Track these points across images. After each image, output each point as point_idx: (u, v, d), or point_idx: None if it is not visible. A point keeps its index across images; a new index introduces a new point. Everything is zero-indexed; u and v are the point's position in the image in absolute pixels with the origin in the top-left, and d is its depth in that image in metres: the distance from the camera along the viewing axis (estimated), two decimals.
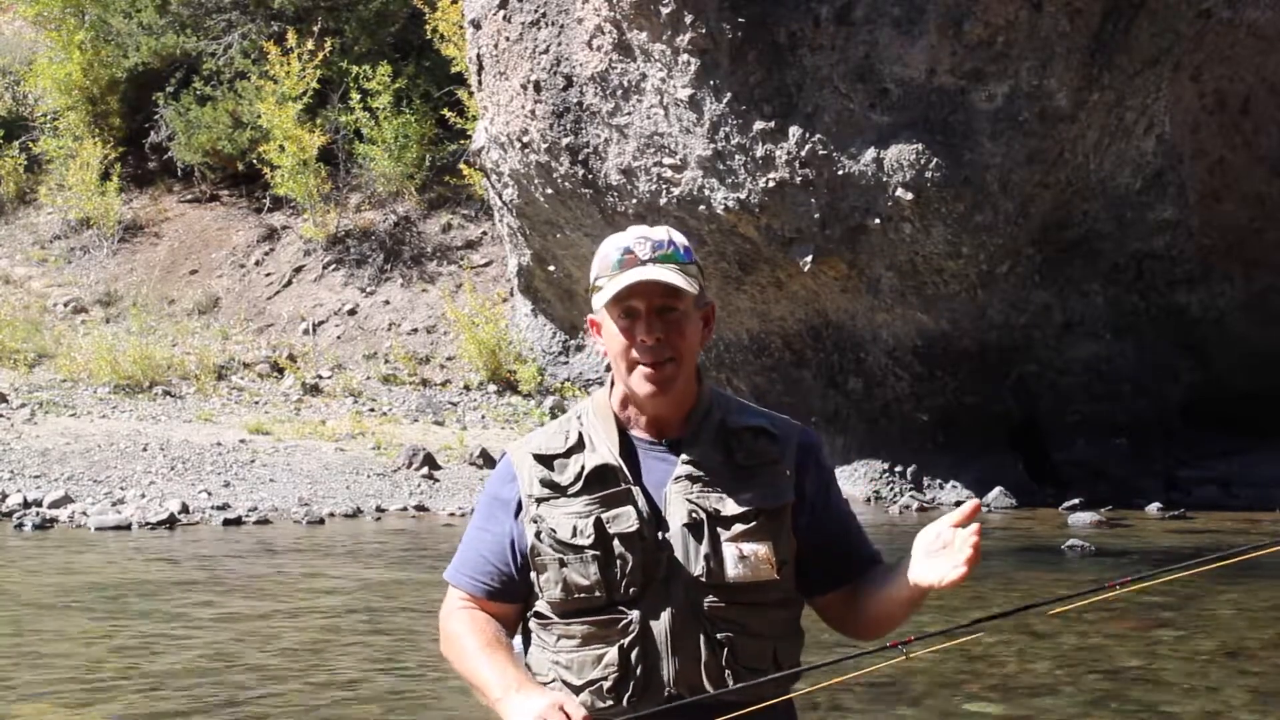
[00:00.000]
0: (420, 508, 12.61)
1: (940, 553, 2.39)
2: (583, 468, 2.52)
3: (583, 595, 2.49)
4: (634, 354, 2.49)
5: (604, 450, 2.53)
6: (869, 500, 13.03)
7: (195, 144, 19.91)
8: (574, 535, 2.49)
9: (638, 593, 2.47)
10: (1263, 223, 12.64)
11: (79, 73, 20.75)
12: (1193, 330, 12.85)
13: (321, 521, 11.88)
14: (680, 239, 2.55)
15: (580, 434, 2.57)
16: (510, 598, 2.60)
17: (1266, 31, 11.88)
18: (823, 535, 2.58)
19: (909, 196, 11.62)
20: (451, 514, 12.24)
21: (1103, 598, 2.54)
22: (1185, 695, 6.11)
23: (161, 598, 8.56)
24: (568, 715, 2.36)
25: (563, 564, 2.50)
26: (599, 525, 2.48)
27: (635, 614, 2.47)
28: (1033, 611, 2.66)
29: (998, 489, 12.69)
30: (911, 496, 12.89)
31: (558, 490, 2.53)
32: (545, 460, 2.56)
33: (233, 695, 6.24)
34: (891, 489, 13.15)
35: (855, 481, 13.25)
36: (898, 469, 13.24)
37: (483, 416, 16.17)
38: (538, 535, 2.52)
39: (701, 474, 2.50)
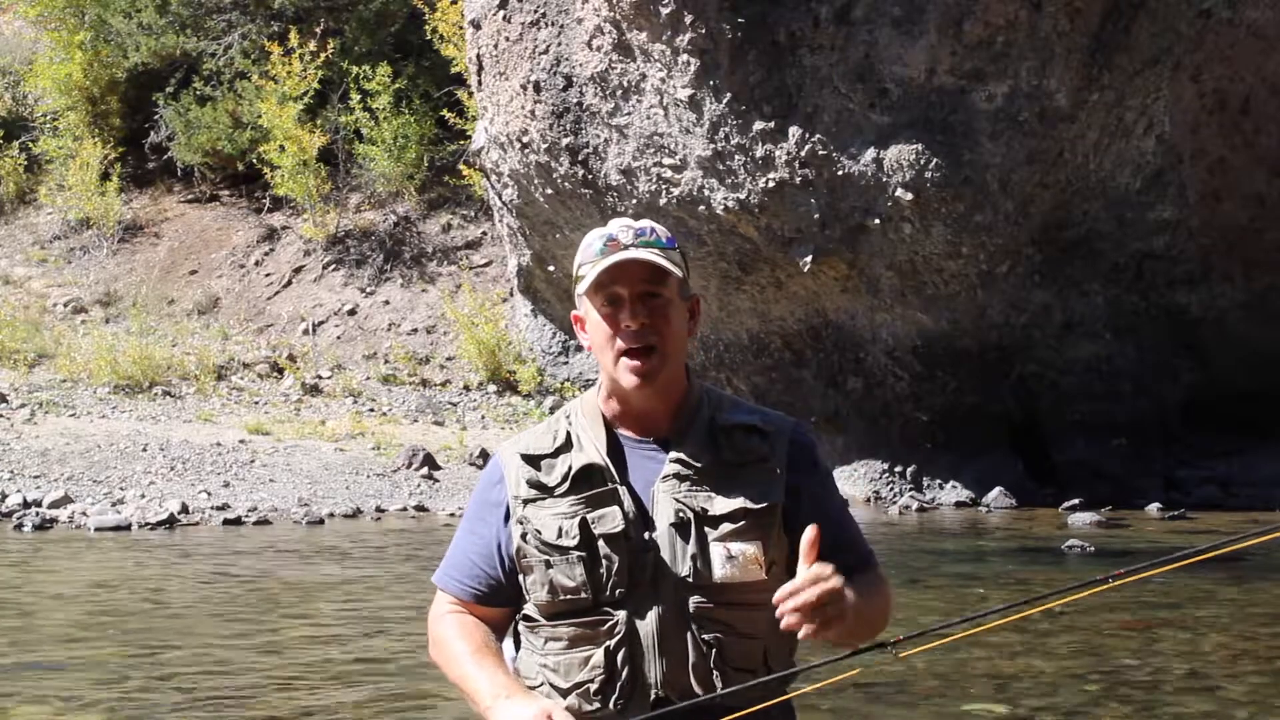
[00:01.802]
0: (420, 508, 12.61)
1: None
2: (569, 468, 2.50)
3: (569, 597, 2.47)
4: (619, 342, 2.46)
5: (591, 450, 2.51)
6: (869, 500, 13.03)
7: (195, 144, 19.92)
8: (559, 536, 2.46)
9: (624, 594, 2.45)
10: (1263, 223, 12.62)
11: (79, 73, 20.75)
12: (1193, 330, 12.84)
13: (321, 522, 11.88)
14: (663, 230, 2.53)
15: (568, 433, 2.55)
16: (498, 601, 2.57)
17: (1266, 31, 11.87)
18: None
19: (909, 196, 11.61)
20: (451, 514, 12.24)
21: (1093, 591, 2.54)
22: (1185, 695, 6.11)
23: (160, 598, 8.56)
24: None
25: (548, 565, 2.47)
26: (584, 526, 2.45)
27: (621, 615, 2.45)
28: (1031, 609, 2.65)
29: (998, 489, 12.68)
30: (911, 496, 12.88)
31: (544, 491, 2.50)
32: (532, 461, 2.53)
33: (231, 695, 6.24)
34: (891, 489, 13.14)
35: (855, 481, 13.24)
36: (898, 469, 13.23)
37: (482, 417, 16.17)
38: (524, 537, 2.50)
39: (689, 473, 2.47)
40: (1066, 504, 12.22)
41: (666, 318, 2.48)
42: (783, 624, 2.31)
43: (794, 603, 2.29)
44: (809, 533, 2.34)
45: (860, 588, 2.46)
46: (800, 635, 2.32)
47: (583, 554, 2.45)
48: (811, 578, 2.30)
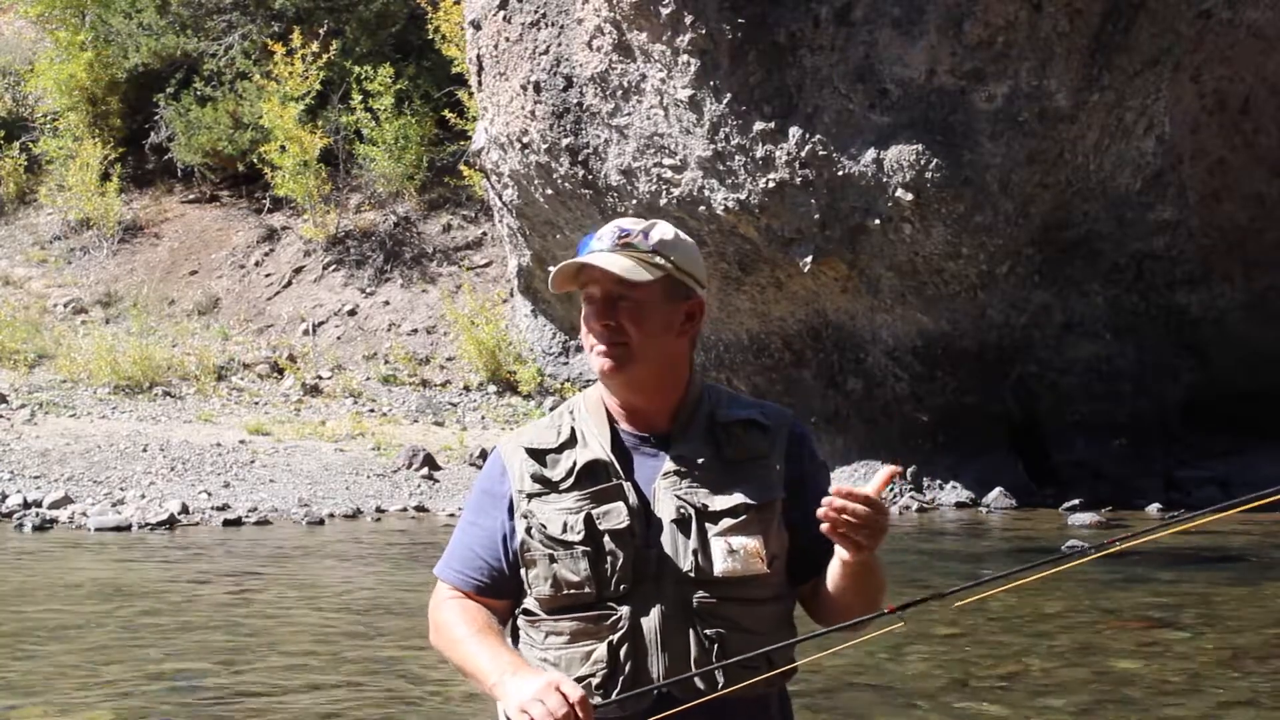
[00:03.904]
0: (420, 508, 12.61)
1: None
2: (574, 463, 2.52)
3: (572, 592, 2.49)
4: (590, 338, 2.54)
5: (595, 446, 2.53)
6: None
7: (195, 144, 19.91)
8: (564, 531, 2.48)
9: (628, 589, 2.47)
10: (1263, 223, 12.63)
11: (82, 73, 20.74)
12: (1193, 330, 12.84)
13: (321, 522, 11.87)
14: (660, 233, 2.54)
15: (572, 429, 2.57)
16: (499, 594, 2.58)
17: (1266, 31, 11.88)
18: (815, 526, 2.57)
19: (909, 197, 11.61)
20: (451, 514, 12.23)
21: (1090, 559, 2.58)
22: (1185, 695, 6.11)
23: (160, 599, 8.56)
24: (564, 695, 2.33)
25: (553, 560, 2.49)
26: (589, 521, 2.47)
27: (625, 610, 2.46)
28: (1041, 573, 2.67)
29: (998, 489, 12.68)
30: (911, 497, 12.88)
31: (549, 486, 2.52)
32: (537, 455, 2.55)
33: (231, 696, 6.25)
34: (891, 489, 13.13)
35: (855, 482, 13.18)
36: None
37: (482, 417, 16.17)
38: (528, 531, 2.52)
39: (689, 469, 2.50)
40: (1066, 504, 12.21)
41: (636, 319, 2.50)
42: (821, 514, 2.34)
43: (849, 504, 2.34)
44: (885, 471, 2.41)
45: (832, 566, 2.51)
46: (829, 531, 2.36)
47: (587, 549, 2.47)
48: (876, 497, 2.36)
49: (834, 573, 2.49)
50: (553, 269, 2.57)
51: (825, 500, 2.35)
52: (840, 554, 2.44)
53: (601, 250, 2.51)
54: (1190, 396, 13.03)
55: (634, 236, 2.52)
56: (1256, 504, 2.55)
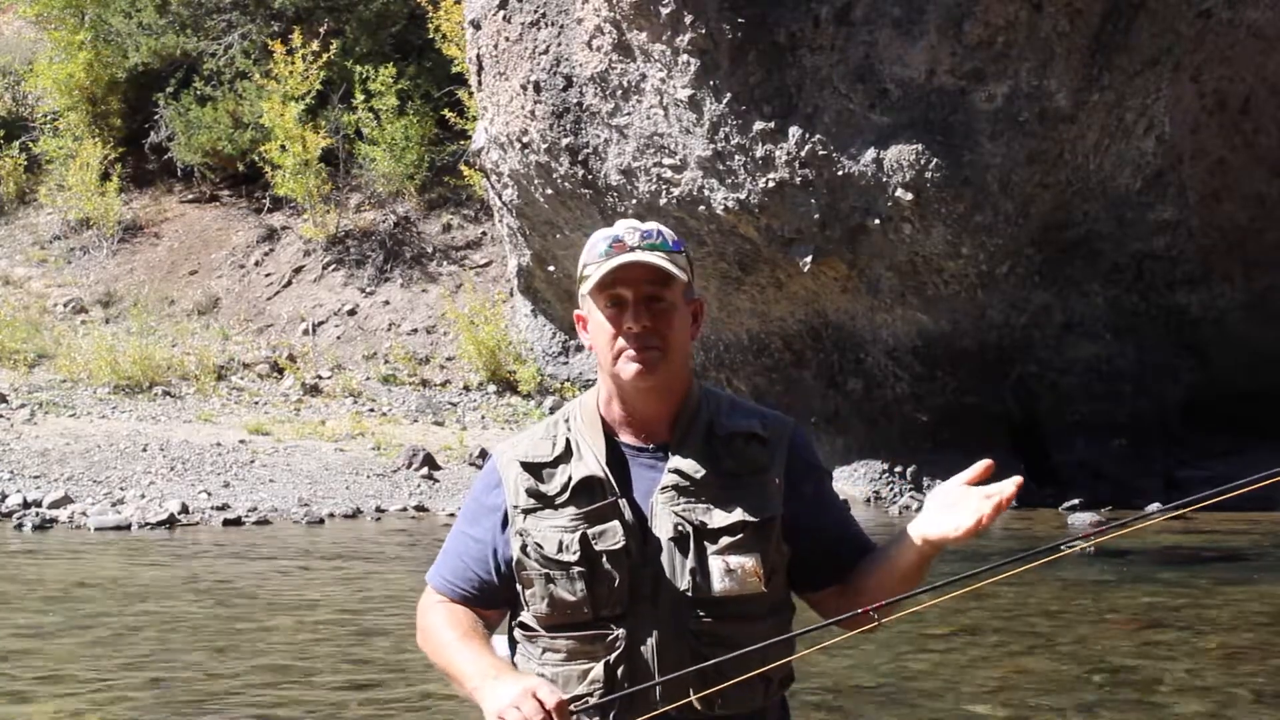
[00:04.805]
0: (420, 508, 12.61)
1: (953, 507, 2.40)
2: (569, 478, 2.48)
3: (569, 611, 2.46)
4: (620, 342, 2.45)
5: (591, 460, 2.49)
6: (869, 500, 13.03)
7: (195, 144, 19.92)
8: (560, 551, 2.45)
9: (624, 609, 2.44)
10: (1263, 223, 12.62)
11: (81, 73, 20.75)
12: (1193, 330, 12.84)
13: (321, 522, 11.88)
14: (669, 232, 2.52)
15: (568, 440, 2.53)
16: (489, 604, 2.58)
17: (1266, 31, 11.87)
18: (820, 533, 2.56)
19: (909, 197, 11.61)
20: (451, 514, 12.24)
21: (1067, 553, 2.58)
22: (1185, 695, 6.11)
23: (161, 599, 8.56)
24: (541, 702, 2.32)
25: (549, 580, 2.46)
26: (585, 541, 2.44)
27: (621, 630, 2.44)
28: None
29: None
30: (911, 497, 12.88)
31: (544, 501, 2.49)
32: (532, 469, 2.51)
33: (231, 696, 6.25)
34: (891, 489, 13.14)
35: (855, 481, 13.23)
36: (897, 469, 13.23)
37: (482, 417, 16.17)
38: (523, 549, 2.49)
39: (688, 484, 2.46)
40: (1066, 504, 12.21)
41: (670, 322, 2.47)
42: (1004, 500, 2.37)
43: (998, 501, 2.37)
44: (980, 464, 2.42)
45: (894, 547, 2.52)
46: (963, 531, 2.39)
47: (583, 569, 2.44)
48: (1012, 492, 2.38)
49: (904, 558, 2.47)
50: (590, 268, 2.47)
51: (1009, 487, 2.36)
52: (934, 534, 2.42)
53: (634, 249, 2.44)
54: (1190, 396, 13.02)
55: (657, 237, 2.48)
56: (1216, 499, 2.52)
